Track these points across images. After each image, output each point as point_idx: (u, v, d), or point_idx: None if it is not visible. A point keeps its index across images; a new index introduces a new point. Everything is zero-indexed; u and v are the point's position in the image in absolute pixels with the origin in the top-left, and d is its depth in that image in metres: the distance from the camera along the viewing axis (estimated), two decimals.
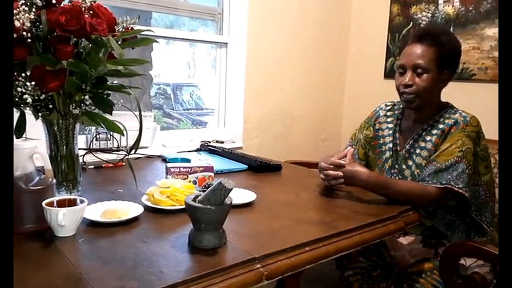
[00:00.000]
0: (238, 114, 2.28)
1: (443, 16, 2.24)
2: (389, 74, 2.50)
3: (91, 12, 0.95)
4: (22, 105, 0.97)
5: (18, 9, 0.89)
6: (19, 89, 0.92)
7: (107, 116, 1.05)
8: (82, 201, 0.90)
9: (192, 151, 1.91)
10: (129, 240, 0.87)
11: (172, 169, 1.24)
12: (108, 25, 0.97)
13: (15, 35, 0.88)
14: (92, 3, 0.96)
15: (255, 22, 2.22)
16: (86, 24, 0.91)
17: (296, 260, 0.84)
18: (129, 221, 0.95)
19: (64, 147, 1.05)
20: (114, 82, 1.07)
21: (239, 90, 2.26)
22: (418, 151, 1.37)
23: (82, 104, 1.01)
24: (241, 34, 2.22)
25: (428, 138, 1.36)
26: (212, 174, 1.28)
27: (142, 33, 1.09)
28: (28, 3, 0.91)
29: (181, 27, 2.83)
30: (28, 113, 1.02)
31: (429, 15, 2.31)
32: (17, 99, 0.94)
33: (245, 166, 1.59)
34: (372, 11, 2.59)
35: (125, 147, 1.67)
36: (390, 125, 1.49)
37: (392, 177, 1.41)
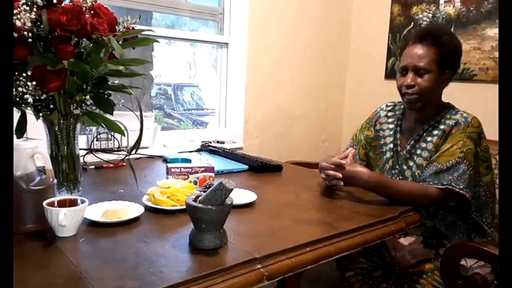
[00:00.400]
0: (238, 114, 2.28)
1: (444, 16, 2.24)
2: (389, 74, 2.50)
3: (92, 12, 0.95)
4: (23, 105, 0.97)
5: (19, 9, 0.89)
6: (20, 89, 0.92)
7: (108, 116, 1.05)
8: (83, 201, 0.90)
9: (192, 151, 1.91)
10: (129, 240, 0.87)
11: (172, 169, 1.24)
12: (109, 25, 0.97)
13: (16, 35, 0.88)
14: (93, 3, 0.96)
15: (256, 22, 2.22)
16: (87, 24, 0.91)
17: (297, 261, 0.84)
18: (129, 221, 0.95)
19: (65, 147, 1.05)
20: (115, 82, 1.07)
21: (240, 90, 2.26)
22: (419, 151, 1.37)
23: (83, 104, 1.01)
24: (241, 34, 2.22)
25: (429, 138, 1.36)
26: (213, 175, 1.28)
27: (143, 33, 1.09)
28: (29, 3, 0.91)
29: (182, 27, 2.83)
30: (29, 113, 1.02)
31: (430, 15, 2.31)
32: (18, 99, 0.94)
33: (246, 167, 1.59)
34: (373, 11, 2.59)
35: (126, 147, 1.67)
36: (391, 126, 1.49)
37: (393, 177, 1.41)
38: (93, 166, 1.51)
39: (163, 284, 0.68)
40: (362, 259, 1.44)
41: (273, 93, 2.38)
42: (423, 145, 1.37)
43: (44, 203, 0.86)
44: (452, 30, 2.17)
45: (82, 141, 1.65)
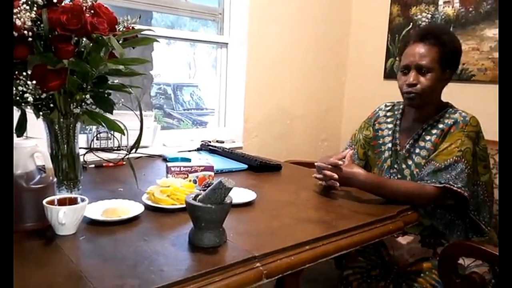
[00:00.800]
0: (238, 114, 2.29)
1: (443, 17, 2.25)
2: (389, 74, 2.50)
3: (92, 11, 0.95)
4: (23, 104, 0.97)
5: (19, 8, 0.89)
6: (20, 88, 0.92)
7: (108, 115, 1.06)
8: (83, 200, 0.90)
9: (192, 150, 1.92)
10: (129, 238, 0.87)
11: (172, 168, 1.25)
12: (109, 25, 0.97)
13: (16, 34, 0.88)
14: (93, 2, 0.96)
15: (256, 23, 2.22)
16: (87, 23, 0.92)
17: (296, 259, 0.85)
18: (129, 220, 0.96)
19: (65, 146, 1.06)
20: (115, 81, 1.08)
21: (240, 90, 2.26)
22: (417, 150, 1.38)
23: (83, 103, 1.02)
24: (241, 34, 2.22)
25: (427, 137, 1.36)
26: (212, 174, 1.29)
27: (142, 32, 1.09)
28: (29, 2, 0.92)
29: (182, 27, 2.84)
30: (29, 112, 1.03)
31: (429, 16, 2.31)
32: (18, 98, 0.94)
33: (245, 166, 1.60)
34: (372, 11, 2.59)
35: (126, 146, 1.68)
36: (390, 125, 1.49)
37: (391, 176, 1.42)
38: (93, 165, 1.51)
39: (163, 282, 0.69)
40: (360, 258, 1.45)
41: (272, 93, 2.38)
42: (422, 144, 1.37)
43: (44, 202, 0.86)
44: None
45: (82, 140, 1.65)
